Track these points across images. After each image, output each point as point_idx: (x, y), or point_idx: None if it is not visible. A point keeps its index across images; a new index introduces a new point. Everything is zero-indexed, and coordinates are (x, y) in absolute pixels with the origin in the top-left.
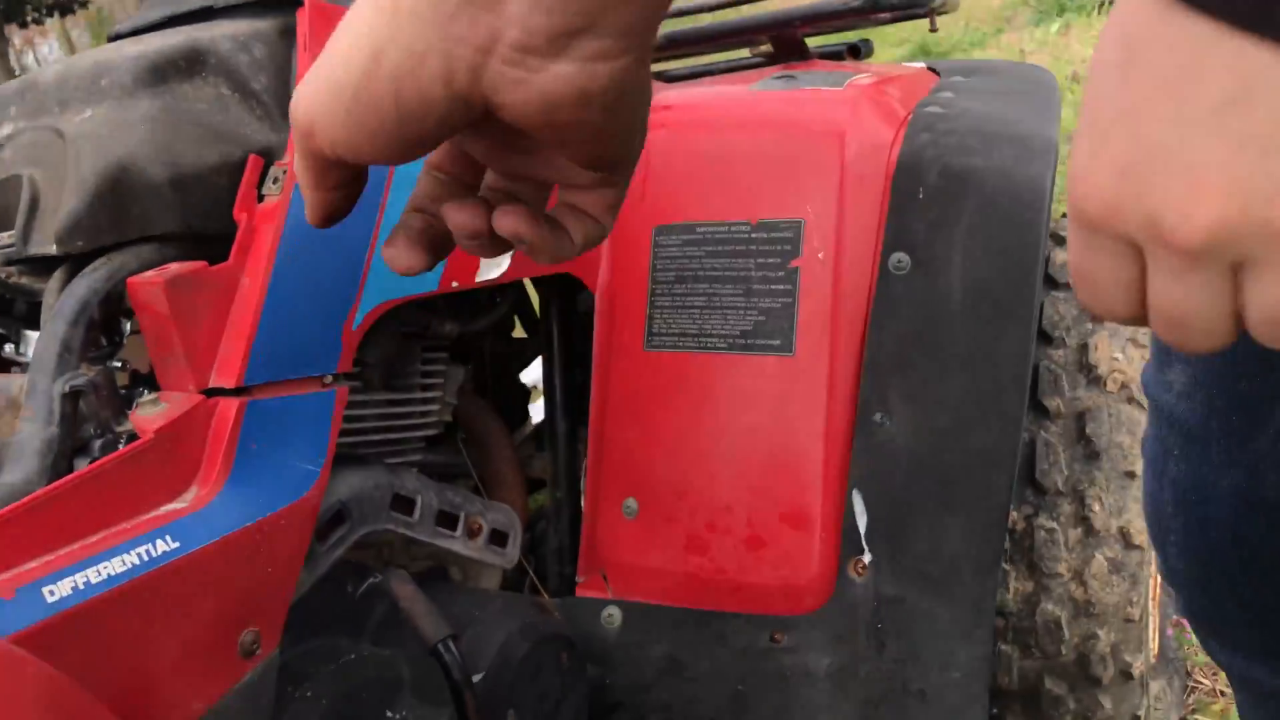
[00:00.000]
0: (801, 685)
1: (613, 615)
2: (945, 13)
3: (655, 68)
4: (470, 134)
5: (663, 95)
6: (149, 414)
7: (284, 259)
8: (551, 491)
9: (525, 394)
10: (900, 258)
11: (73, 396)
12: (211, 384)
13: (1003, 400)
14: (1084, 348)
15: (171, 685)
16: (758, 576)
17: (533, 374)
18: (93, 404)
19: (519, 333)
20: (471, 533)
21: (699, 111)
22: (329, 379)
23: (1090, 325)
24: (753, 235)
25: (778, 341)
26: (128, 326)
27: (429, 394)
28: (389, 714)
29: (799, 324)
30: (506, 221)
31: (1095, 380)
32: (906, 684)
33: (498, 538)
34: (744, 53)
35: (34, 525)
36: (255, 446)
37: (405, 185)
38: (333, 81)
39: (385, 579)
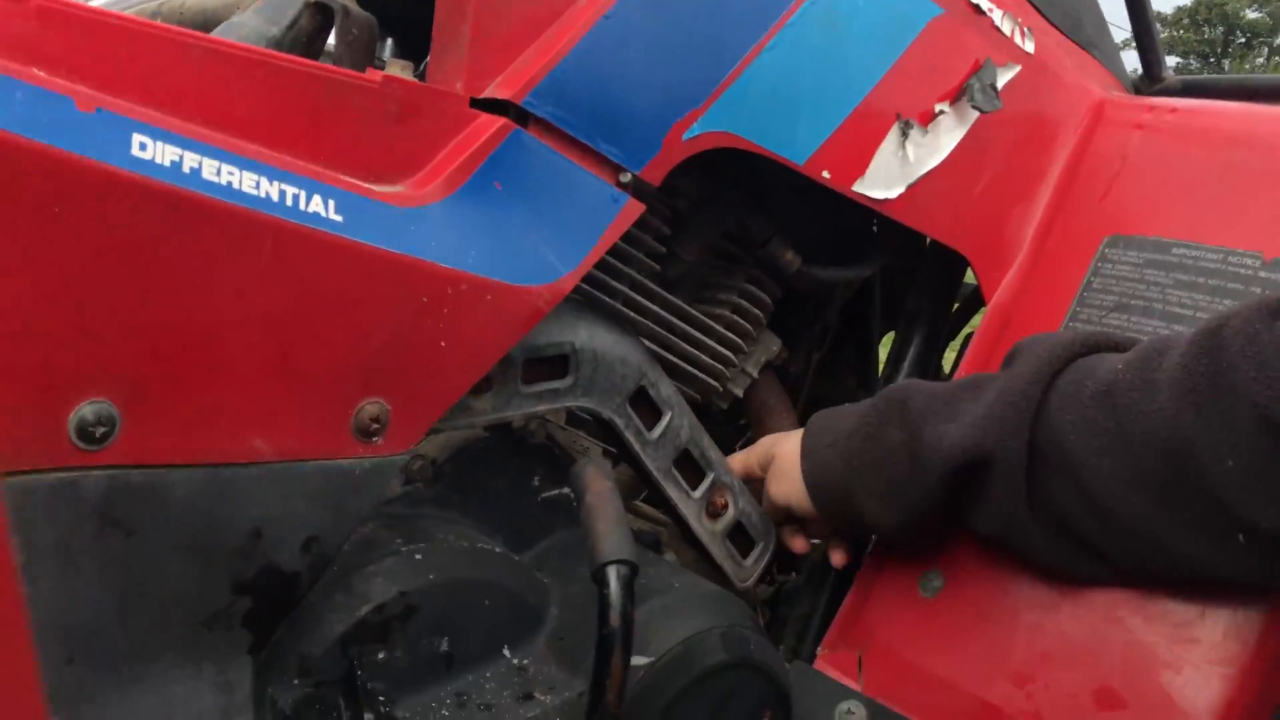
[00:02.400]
0: None
1: (854, 713)
2: None
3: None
4: None
5: (1169, 100)
6: (392, 72)
7: None
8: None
9: None
10: None
11: (317, 9)
12: (486, 94)
13: None
14: None
15: (239, 388)
16: None
17: None
18: (344, 34)
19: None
20: (713, 510)
21: (1215, 119)
22: (627, 177)
23: None
24: (1261, 274)
25: None
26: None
27: (731, 335)
28: (506, 654)
29: None
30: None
31: None
32: None
33: (741, 538)
34: None
35: (185, 69)
36: (499, 188)
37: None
38: None
39: (581, 463)
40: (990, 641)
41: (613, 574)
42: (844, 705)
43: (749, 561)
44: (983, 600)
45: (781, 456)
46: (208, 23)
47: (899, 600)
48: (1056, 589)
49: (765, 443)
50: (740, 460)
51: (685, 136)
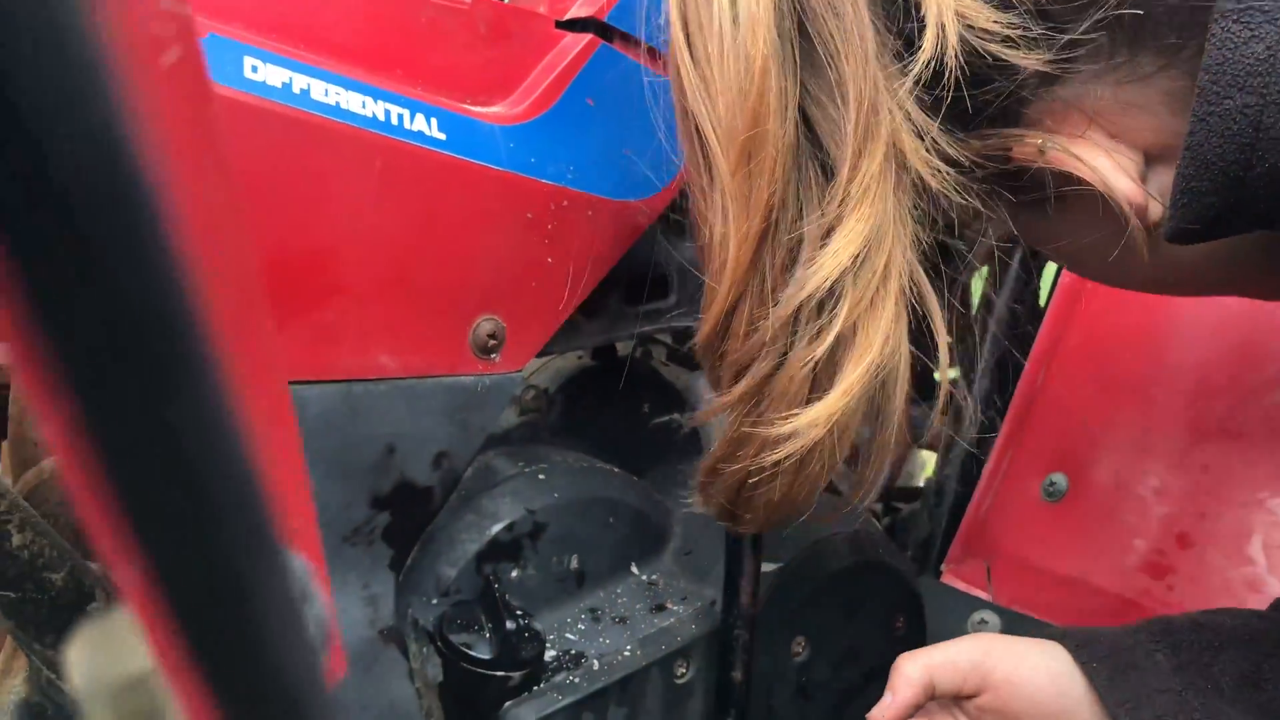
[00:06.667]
0: None
1: (987, 624)
2: None
3: None
4: None
5: None
6: None
7: None
8: (939, 464)
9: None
10: None
11: None
12: (569, 15)
13: None
14: None
15: (362, 305)
16: None
17: None
18: None
19: None
20: None
21: None
22: None
23: None
24: None
25: None
26: None
27: None
28: (634, 570)
29: None
30: None
31: None
32: None
33: (854, 459)
34: None
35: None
36: (592, 104)
37: None
38: None
39: (694, 377)
40: (1123, 538)
41: None
42: (977, 615)
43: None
44: (1110, 497)
45: (1023, 693)
46: None
47: (1022, 507)
48: (1187, 478)
49: (971, 655)
50: (928, 666)
51: None
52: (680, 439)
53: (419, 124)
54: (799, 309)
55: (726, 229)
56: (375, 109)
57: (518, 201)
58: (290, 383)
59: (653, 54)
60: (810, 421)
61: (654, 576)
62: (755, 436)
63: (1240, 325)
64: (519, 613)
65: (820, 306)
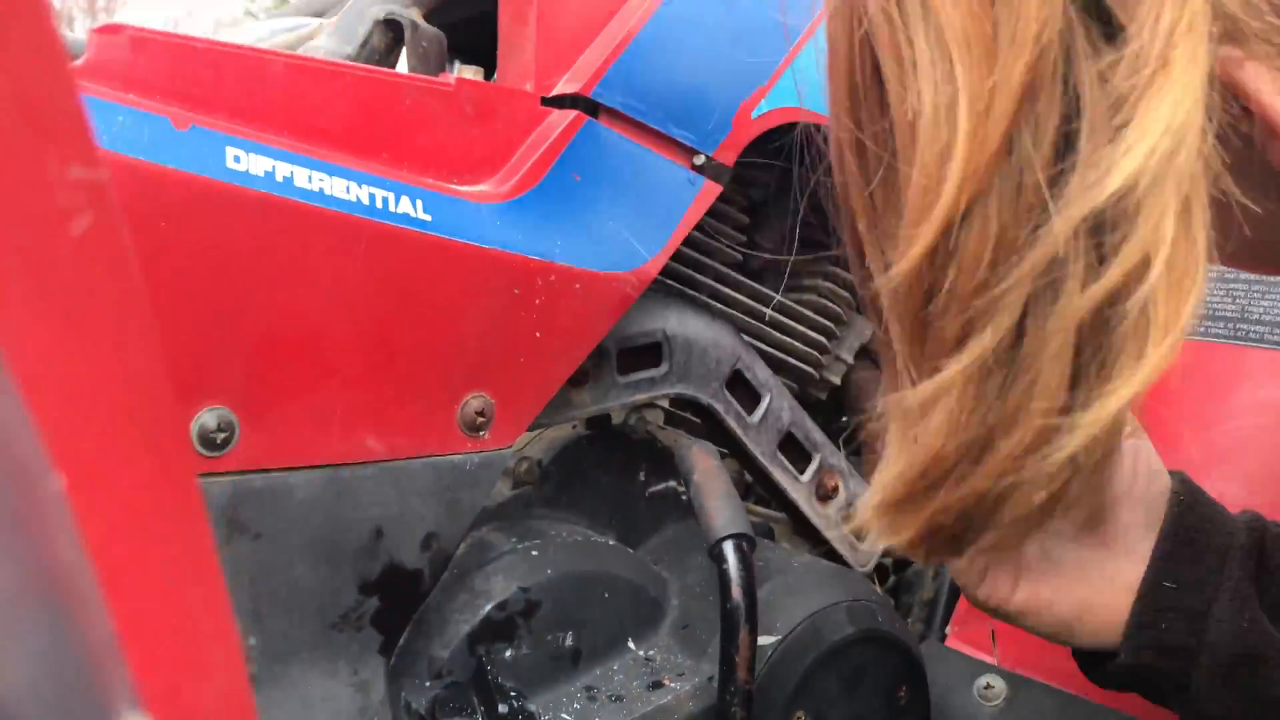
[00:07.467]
0: None
1: (994, 689)
2: None
3: None
4: None
5: None
6: (465, 77)
7: None
8: None
9: None
10: None
11: (387, 25)
12: (555, 92)
13: None
14: None
15: (348, 388)
16: None
17: None
18: (415, 48)
19: None
20: (823, 493)
21: None
22: (701, 159)
23: None
24: None
25: None
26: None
27: (822, 320)
28: (631, 646)
29: None
30: None
31: None
32: None
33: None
34: None
35: (270, 86)
36: (578, 179)
37: None
38: None
39: (685, 447)
40: None
41: (730, 548)
42: (982, 680)
43: (865, 545)
44: None
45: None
46: None
47: None
48: None
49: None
50: None
51: (754, 114)
52: (678, 507)
53: (404, 206)
54: (1094, 219)
55: (952, 88)
56: (359, 193)
57: (504, 278)
58: (277, 469)
59: (641, 127)
60: (1134, 393)
61: (651, 652)
62: (1016, 428)
63: (1265, 387)
64: (512, 694)
65: (1117, 218)
